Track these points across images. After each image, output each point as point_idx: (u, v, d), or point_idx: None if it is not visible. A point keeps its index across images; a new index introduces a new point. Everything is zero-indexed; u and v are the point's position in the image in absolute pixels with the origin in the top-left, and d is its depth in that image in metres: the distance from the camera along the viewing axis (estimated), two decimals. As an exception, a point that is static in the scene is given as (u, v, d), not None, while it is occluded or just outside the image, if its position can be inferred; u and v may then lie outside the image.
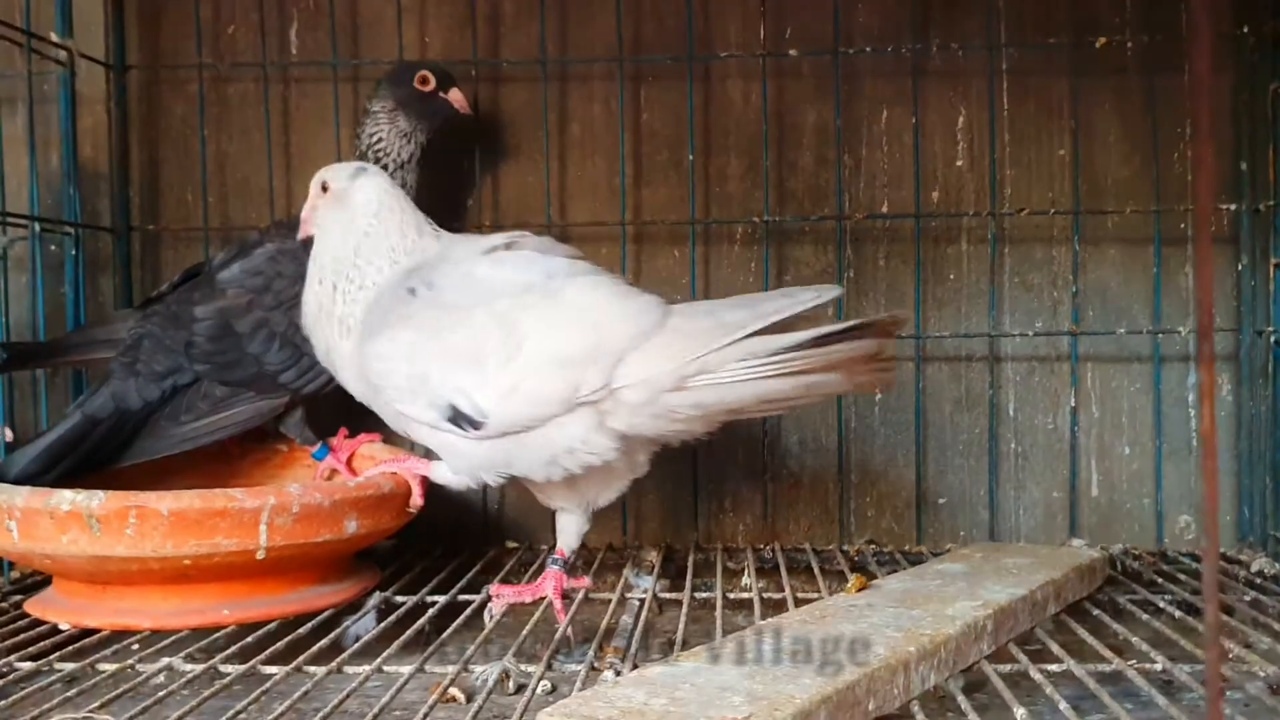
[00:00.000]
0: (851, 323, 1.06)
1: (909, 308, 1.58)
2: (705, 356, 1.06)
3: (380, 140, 1.45)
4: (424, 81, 1.46)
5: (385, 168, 1.44)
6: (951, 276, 1.60)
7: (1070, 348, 1.57)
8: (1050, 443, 1.59)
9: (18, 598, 1.27)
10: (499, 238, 1.24)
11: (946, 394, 1.60)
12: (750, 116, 1.61)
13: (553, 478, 1.17)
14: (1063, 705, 0.87)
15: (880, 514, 1.62)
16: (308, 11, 1.65)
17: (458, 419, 1.14)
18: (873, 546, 1.56)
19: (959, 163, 1.60)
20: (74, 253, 1.57)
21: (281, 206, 1.66)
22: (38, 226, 1.48)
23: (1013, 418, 1.59)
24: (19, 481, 1.22)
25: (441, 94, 1.47)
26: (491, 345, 1.12)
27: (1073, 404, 1.57)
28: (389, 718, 0.92)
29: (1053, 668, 0.98)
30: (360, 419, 1.59)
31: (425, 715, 0.91)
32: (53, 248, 1.61)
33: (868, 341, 1.07)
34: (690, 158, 1.58)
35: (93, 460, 1.32)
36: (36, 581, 1.34)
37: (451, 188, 1.62)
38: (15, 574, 1.37)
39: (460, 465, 1.20)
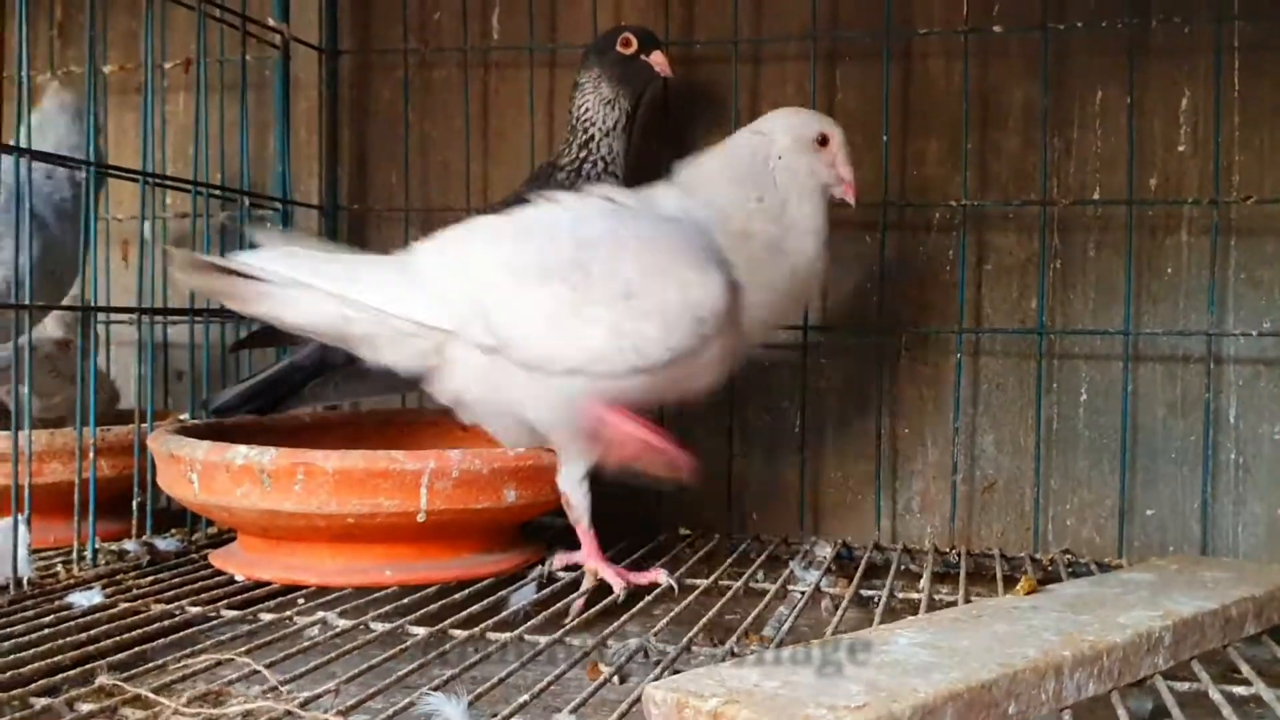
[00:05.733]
0: None
1: (1119, 302, 1.47)
2: None
3: (586, 110, 1.45)
4: (626, 44, 1.46)
5: (591, 137, 1.45)
6: (1169, 270, 1.47)
7: (1303, 350, 1.42)
8: (1277, 454, 1.44)
9: (209, 551, 1.33)
10: None
11: (1159, 397, 1.48)
12: (952, 96, 1.53)
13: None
14: (1239, 729, 0.77)
15: (1080, 523, 1.51)
16: (509, -4, 1.69)
17: None
18: (1068, 556, 1.45)
19: (1181, 147, 1.47)
20: (283, 228, 1.65)
21: (478, 189, 1.70)
22: (246, 201, 1.55)
23: (1233, 425, 1.45)
24: (219, 411, 1.39)
25: (643, 56, 1.46)
26: None
27: (1304, 412, 1.42)
28: (517, 680, 0.91)
29: (1239, 690, 0.88)
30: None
31: (555, 679, 0.89)
32: (268, 225, 1.70)
33: None
34: (885, 139, 1.52)
35: (289, 397, 1.41)
36: (229, 537, 1.40)
37: (641, 170, 1.61)
38: (212, 530, 1.44)
39: None
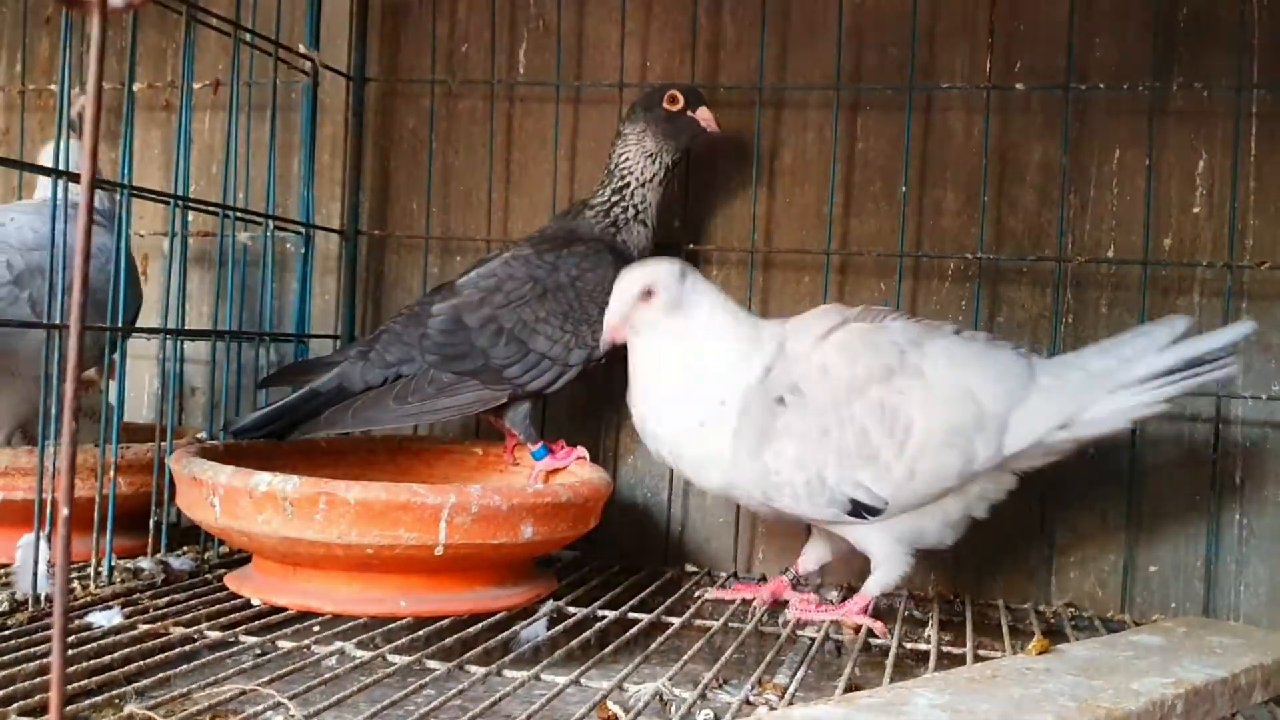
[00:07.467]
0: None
1: (1130, 360, 1.49)
2: (1083, 408, 1.22)
3: (626, 160, 1.48)
4: (672, 101, 1.48)
5: (627, 184, 1.48)
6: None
7: (1310, 415, 1.44)
8: (1280, 517, 1.46)
9: (221, 571, 1.34)
10: (825, 320, 1.27)
11: (1165, 455, 1.50)
12: (971, 150, 1.55)
13: (945, 542, 1.28)
14: (1249, 801, 0.79)
15: (1084, 576, 1.52)
16: (537, 33, 1.71)
17: (857, 510, 1.22)
18: (1071, 610, 1.47)
19: (1196, 210, 1.49)
20: (304, 251, 1.66)
21: (499, 220, 1.71)
22: (271, 224, 1.57)
23: (1239, 486, 1.47)
24: (238, 433, 1.40)
25: (689, 112, 1.48)
26: (879, 437, 1.20)
27: (1309, 476, 1.43)
28: (536, 721, 0.92)
29: (1247, 759, 0.90)
30: (583, 424, 1.62)
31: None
32: (288, 246, 1.71)
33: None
34: (904, 189, 1.54)
35: (306, 421, 1.41)
36: (242, 558, 1.41)
37: (658, 209, 1.63)
38: (224, 549, 1.45)
39: (871, 549, 1.28)
